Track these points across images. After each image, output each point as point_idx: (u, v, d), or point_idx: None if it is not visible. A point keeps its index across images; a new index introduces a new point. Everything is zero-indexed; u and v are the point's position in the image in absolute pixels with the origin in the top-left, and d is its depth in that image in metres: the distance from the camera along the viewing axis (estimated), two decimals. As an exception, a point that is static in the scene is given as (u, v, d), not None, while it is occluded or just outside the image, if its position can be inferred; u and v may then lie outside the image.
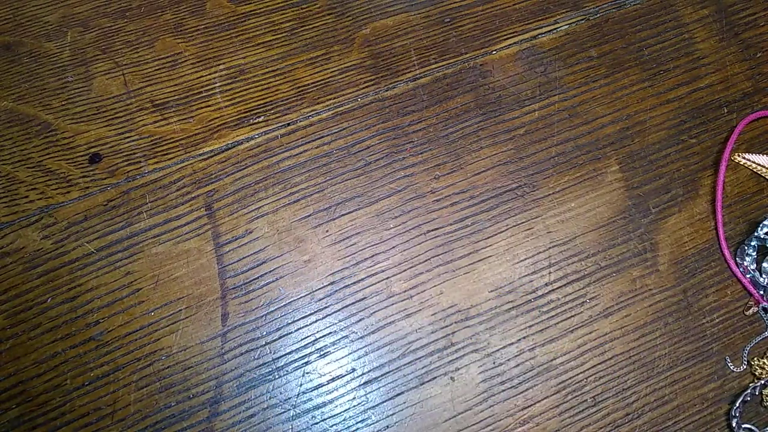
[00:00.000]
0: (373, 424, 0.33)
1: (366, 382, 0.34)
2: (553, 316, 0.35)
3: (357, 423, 0.33)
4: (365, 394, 0.34)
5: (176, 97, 0.39)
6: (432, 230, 0.37)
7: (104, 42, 0.40)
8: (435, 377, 0.34)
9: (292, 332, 0.34)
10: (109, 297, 0.34)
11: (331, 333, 0.34)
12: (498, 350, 0.34)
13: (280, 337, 0.34)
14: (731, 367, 0.34)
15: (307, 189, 0.37)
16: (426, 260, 0.36)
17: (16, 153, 0.37)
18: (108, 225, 0.36)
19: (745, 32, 0.42)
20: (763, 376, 0.34)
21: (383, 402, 0.33)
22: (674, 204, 0.38)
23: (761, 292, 0.35)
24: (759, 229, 0.36)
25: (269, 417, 0.33)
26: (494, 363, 0.34)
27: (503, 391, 0.34)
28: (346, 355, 0.34)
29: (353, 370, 0.34)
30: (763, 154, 0.39)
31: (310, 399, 0.33)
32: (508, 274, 0.36)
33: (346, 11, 0.42)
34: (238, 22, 0.41)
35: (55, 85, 0.39)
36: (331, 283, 0.35)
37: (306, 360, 0.34)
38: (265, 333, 0.34)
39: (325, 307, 0.35)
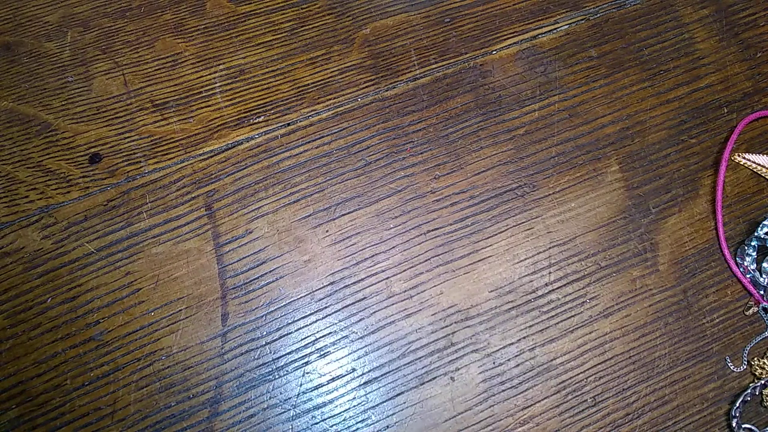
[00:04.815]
0: (373, 424, 0.33)
1: (366, 382, 0.34)
2: (553, 316, 0.35)
3: (357, 423, 0.33)
4: (365, 394, 0.34)
5: (176, 97, 0.39)
6: (432, 230, 0.37)
7: (104, 42, 0.40)
8: (435, 377, 0.34)
9: (292, 332, 0.34)
10: (109, 297, 0.34)
11: (331, 333, 0.34)
12: (498, 350, 0.34)
13: (280, 337, 0.34)
14: (731, 367, 0.34)
15: (307, 189, 0.37)
16: (426, 260, 0.36)
17: (16, 153, 0.37)
18: (108, 225, 0.36)
19: (745, 32, 0.42)
20: (763, 376, 0.34)
21: (383, 402, 0.33)
22: (674, 204, 0.38)
23: (761, 292, 0.35)
24: (759, 229, 0.35)
25: (269, 417, 0.33)
26: (494, 363, 0.34)
27: (503, 391, 0.34)
28: (346, 355, 0.34)
29: (353, 370, 0.34)
30: (763, 154, 0.39)
31: (310, 399, 0.33)
32: (508, 274, 0.36)
33: (346, 11, 0.42)
34: (238, 22, 0.41)
35: (55, 85, 0.39)
36: (331, 283, 0.35)
37: (306, 360, 0.34)
38: (265, 333, 0.34)
39: (325, 307, 0.35)
